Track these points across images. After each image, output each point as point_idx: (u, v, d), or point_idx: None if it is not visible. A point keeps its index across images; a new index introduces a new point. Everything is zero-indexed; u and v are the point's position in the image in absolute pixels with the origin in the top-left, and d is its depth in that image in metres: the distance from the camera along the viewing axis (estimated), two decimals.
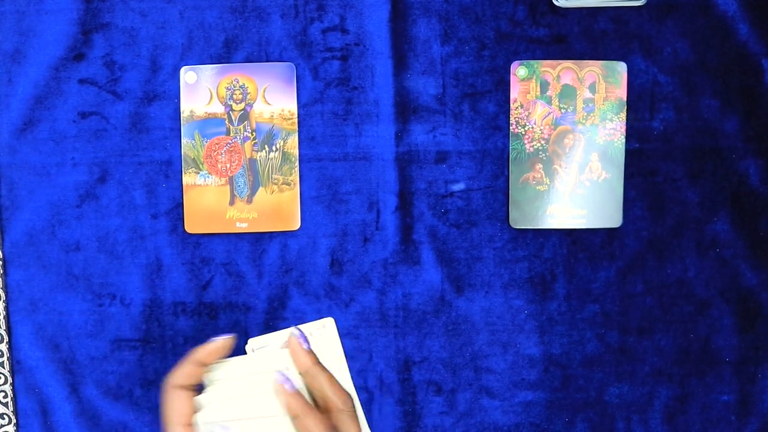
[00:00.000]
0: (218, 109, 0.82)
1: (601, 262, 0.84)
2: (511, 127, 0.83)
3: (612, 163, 0.83)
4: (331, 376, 0.65)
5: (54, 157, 0.82)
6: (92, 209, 0.82)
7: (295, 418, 0.63)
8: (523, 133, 0.83)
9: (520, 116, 0.83)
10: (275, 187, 0.83)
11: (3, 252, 0.82)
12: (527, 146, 0.83)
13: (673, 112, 0.83)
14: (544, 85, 0.83)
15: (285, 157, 0.82)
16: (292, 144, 0.82)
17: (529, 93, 0.83)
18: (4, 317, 0.82)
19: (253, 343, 0.82)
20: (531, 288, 0.84)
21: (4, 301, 0.82)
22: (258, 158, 0.82)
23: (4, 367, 0.82)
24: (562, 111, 0.83)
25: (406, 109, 0.83)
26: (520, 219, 0.83)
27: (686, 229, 0.84)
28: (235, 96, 0.82)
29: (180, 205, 0.83)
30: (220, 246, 0.83)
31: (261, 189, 0.82)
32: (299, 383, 0.66)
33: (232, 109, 0.82)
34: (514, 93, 0.83)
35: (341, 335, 0.83)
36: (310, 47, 0.82)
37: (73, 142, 0.82)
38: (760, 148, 0.83)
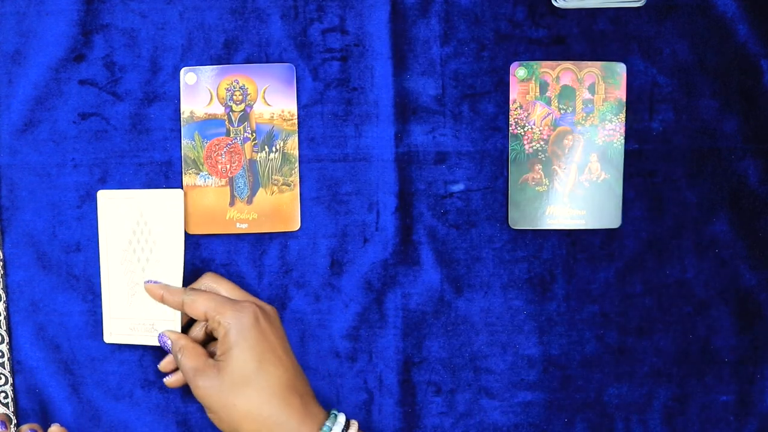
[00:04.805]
0: (218, 110, 0.82)
1: (601, 263, 0.84)
2: (510, 128, 0.83)
3: (611, 163, 0.83)
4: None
5: (54, 158, 0.82)
6: (93, 210, 0.82)
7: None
8: (523, 133, 0.83)
9: (519, 117, 0.83)
10: (275, 187, 0.83)
11: (3, 252, 0.82)
12: (526, 147, 0.83)
13: (672, 112, 0.83)
14: (543, 86, 0.83)
15: (285, 157, 0.83)
16: (292, 145, 0.83)
17: (528, 94, 0.83)
18: (4, 318, 0.82)
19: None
20: (530, 288, 0.84)
21: (4, 302, 0.82)
22: (258, 159, 0.83)
23: (4, 368, 0.82)
24: (562, 112, 0.83)
25: (405, 109, 0.83)
26: (519, 220, 0.83)
27: (685, 230, 0.84)
28: (235, 97, 0.82)
29: None
30: (220, 247, 0.83)
31: (261, 190, 0.83)
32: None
33: (232, 110, 0.82)
34: (514, 94, 0.83)
35: (341, 336, 0.84)
36: (310, 48, 0.83)
37: (73, 143, 0.82)
38: (759, 148, 0.83)
